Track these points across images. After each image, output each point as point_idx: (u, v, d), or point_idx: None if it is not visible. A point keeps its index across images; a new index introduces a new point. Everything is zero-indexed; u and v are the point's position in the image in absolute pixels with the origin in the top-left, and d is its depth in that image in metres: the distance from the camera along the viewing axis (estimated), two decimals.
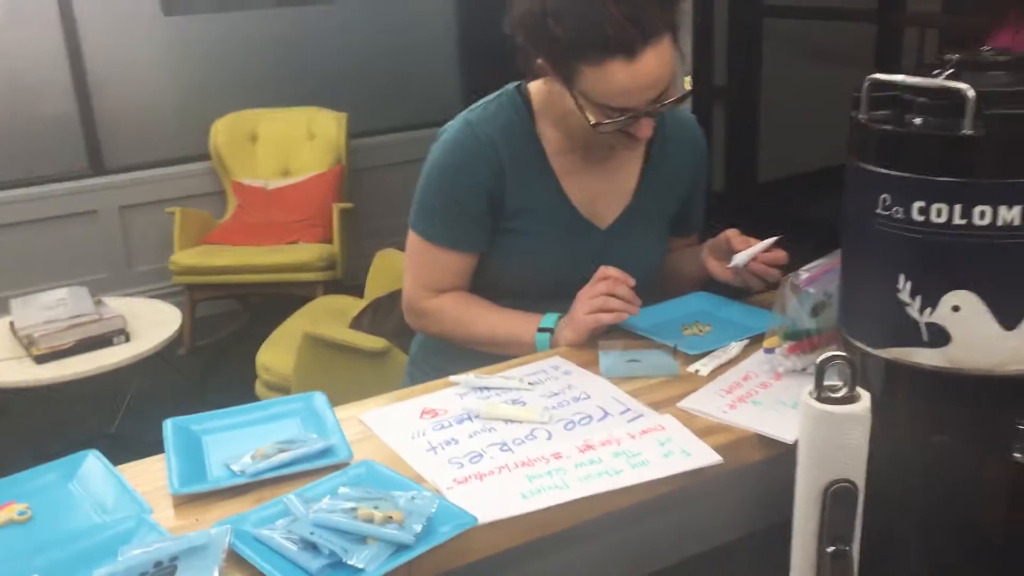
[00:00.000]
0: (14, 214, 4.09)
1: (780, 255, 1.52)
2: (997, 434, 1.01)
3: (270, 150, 4.39)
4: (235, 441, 1.25)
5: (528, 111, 1.53)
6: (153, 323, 3.25)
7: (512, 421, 1.27)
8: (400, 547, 0.98)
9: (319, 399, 1.33)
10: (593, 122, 1.39)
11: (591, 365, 1.42)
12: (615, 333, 1.53)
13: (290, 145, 4.40)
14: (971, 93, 0.93)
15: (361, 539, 0.99)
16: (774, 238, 1.50)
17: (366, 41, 4.81)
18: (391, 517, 1.00)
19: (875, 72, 1.06)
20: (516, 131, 1.51)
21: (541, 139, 1.52)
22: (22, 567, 0.98)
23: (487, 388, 1.36)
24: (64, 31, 4.11)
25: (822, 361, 0.95)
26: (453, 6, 5.05)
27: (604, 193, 1.57)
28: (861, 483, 0.97)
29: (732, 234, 1.55)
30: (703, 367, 1.38)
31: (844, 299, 1.13)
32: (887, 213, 1.01)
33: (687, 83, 1.45)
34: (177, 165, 4.35)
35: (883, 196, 1.01)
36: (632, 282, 1.45)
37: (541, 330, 1.49)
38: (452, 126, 1.53)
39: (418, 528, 0.99)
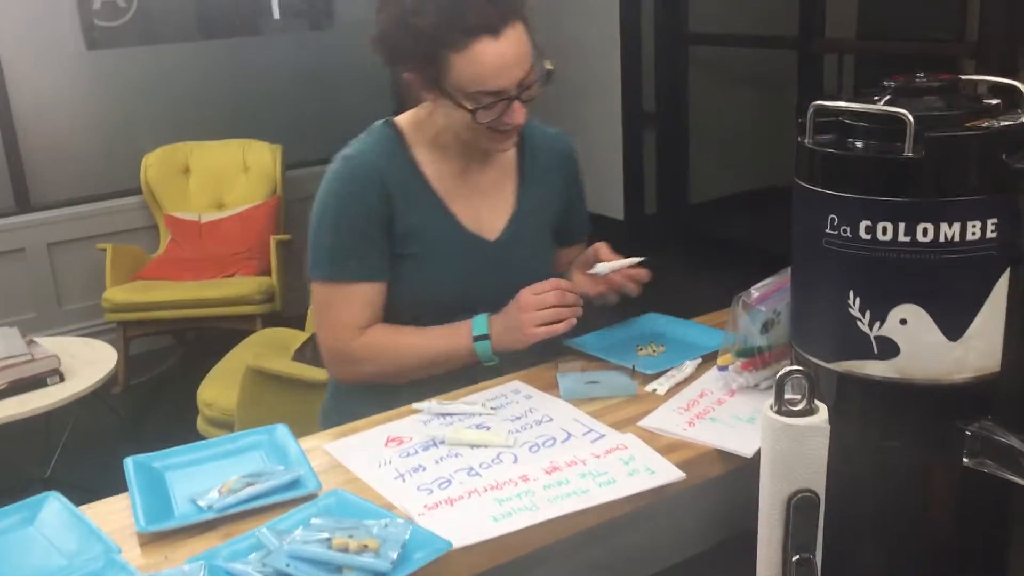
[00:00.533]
0: None
1: (643, 273, 1.58)
2: (946, 440, 1.06)
3: (203, 183, 4.33)
4: (199, 476, 1.24)
5: (400, 140, 1.56)
6: (87, 362, 3.17)
7: (478, 446, 1.28)
8: (377, 575, 0.99)
9: (282, 431, 1.33)
10: (471, 108, 1.42)
11: (551, 388, 1.45)
12: (572, 355, 1.56)
13: (224, 177, 4.35)
14: (911, 118, 0.99)
15: (337, 569, 0.99)
16: (639, 258, 1.56)
17: (297, 71, 4.80)
18: (366, 545, 1.01)
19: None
20: (394, 159, 1.54)
21: (418, 165, 1.55)
22: None
23: (450, 414, 1.37)
24: None
25: (781, 376, 0.99)
26: None
27: (487, 207, 1.60)
28: (822, 492, 1.01)
29: (601, 246, 1.62)
30: (660, 386, 1.42)
31: (796, 316, 1.17)
32: (835, 232, 1.06)
33: (548, 64, 1.50)
34: (107, 200, 4.26)
35: (831, 216, 1.06)
36: (575, 289, 1.51)
37: (477, 338, 1.50)
38: (331, 167, 1.55)
39: (394, 555, 1.00)
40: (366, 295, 1.52)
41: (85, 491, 1.19)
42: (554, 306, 1.47)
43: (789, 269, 1.33)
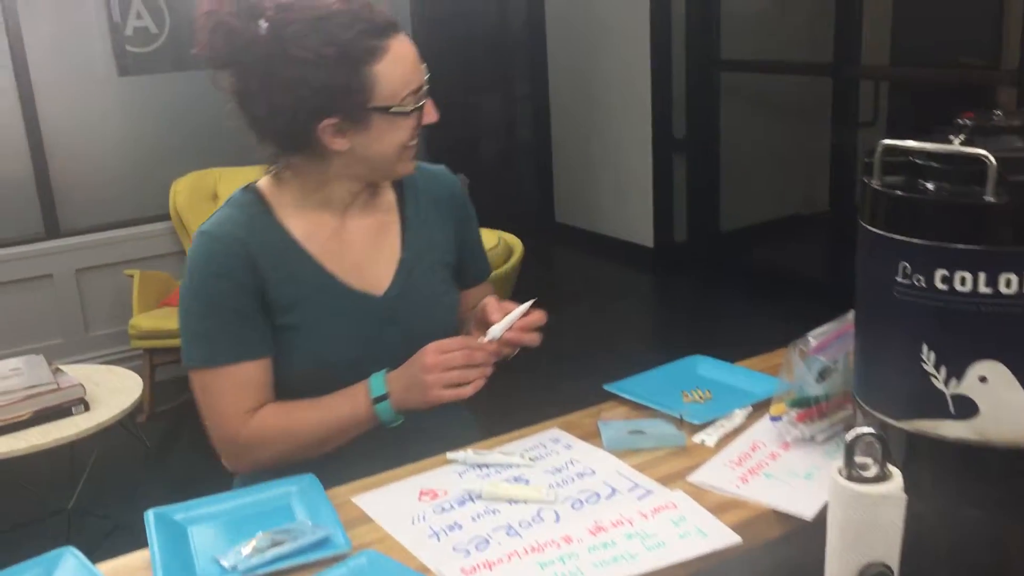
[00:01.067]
0: None
1: (537, 317, 1.42)
2: None
3: None
4: (224, 531, 1.18)
5: (264, 205, 1.44)
6: (113, 390, 3.13)
7: (516, 501, 1.21)
8: None
9: (310, 482, 1.26)
10: (409, 111, 1.36)
11: (592, 437, 1.37)
12: (614, 402, 1.48)
13: None
14: (993, 160, 0.92)
15: None
16: (528, 303, 1.41)
17: None
18: None
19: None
20: (258, 225, 1.42)
21: (286, 229, 1.43)
22: None
23: (486, 465, 1.30)
24: (20, 94, 4.03)
25: (852, 439, 0.92)
26: None
27: (370, 261, 1.49)
28: (895, 565, 0.93)
29: (488, 302, 1.45)
30: (708, 437, 1.34)
31: (862, 368, 1.09)
32: (907, 281, 0.98)
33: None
34: (135, 226, 4.24)
35: (903, 264, 0.98)
36: (490, 347, 1.38)
37: (376, 399, 1.38)
38: (191, 247, 1.44)
39: None
40: (247, 376, 1.39)
41: (108, 520, 1.13)
42: (462, 367, 1.35)
43: (849, 315, 1.26)
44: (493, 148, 6.71)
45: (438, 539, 1.14)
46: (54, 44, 4.13)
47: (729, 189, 5.34)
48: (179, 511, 1.21)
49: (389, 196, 1.54)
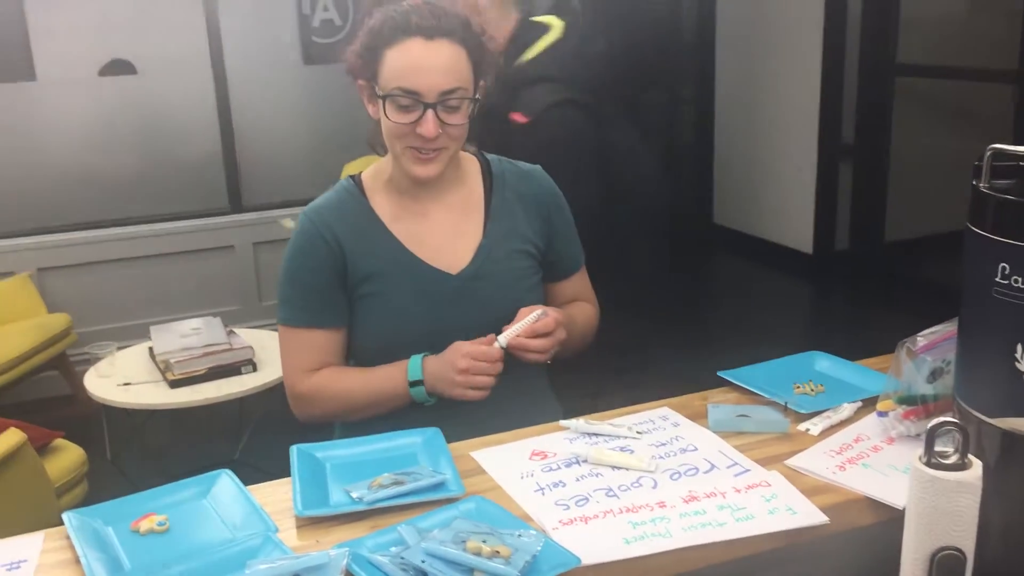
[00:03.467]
0: (158, 246, 4.37)
1: (546, 324, 1.50)
2: None
3: None
4: (355, 469, 1.32)
5: (360, 191, 1.61)
6: (279, 354, 3.39)
7: (619, 468, 1.30)
8: None
9: (435, 435, 1.39)
10: (390, 121, 1.47)
11: (699, 418, 1.44)
12: (725, 388, 1.54)
13: None
14: None
15: (468, 571, 1.03)
16: (538, 311, 1.49)
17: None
18: (498, 552, 1.05)
19: (1012, 135, 1.07)
20: (349, 208, 1.59)
21: (375, 211, 1.59)
22: (160, 573, 1.07)
23: (596, 435, 1.40)
24: (215, 78, 4.40)
25: (933, 427, 0.95)
26: None
27: (451, 244, 1.60)
28: (970, 552, 0.96)
29: (522, 310, 1.53)
30: (813, 426, 1.38)
31: (960, 366, 1.12)
32: (1006, 282, 1.01)
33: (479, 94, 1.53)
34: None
35: (1002, 265, 1.01)
36: (495, 356, 1.48)
37: (412, 384, 1.51)
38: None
39: (523, 564, 1.03)
40: (313, 340, 1.58)
41: (267, 474, 1.29)
42: (486, 375, 1.47)
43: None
44: (654, 148, 6.73)
45: (542, 493, 1.24)
46: (247, 33, 4.48)
47: (896, 198, 5.16)
48: (319, 449, 1.37)
49: (477, 189, 1.65)
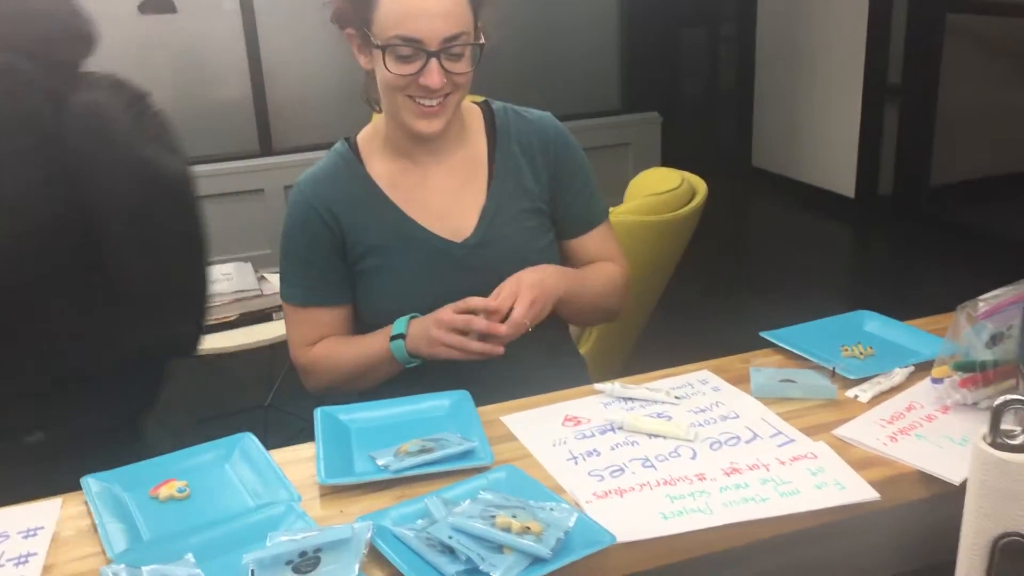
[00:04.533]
0: None
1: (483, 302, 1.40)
2: None
3: None
4: (381, 434, 1.27)
5: (356, 155, 1.52)
6: None
7: (656, 436, 1.24)
8: (536, 560, 0.97)
9: (463, 398, 1.34)
10: (390, 72, 1.37)
11: (741, 382, 1.37)
12: (768, 349, 1.47)
13: None
14: None
15: (498, 548, 0.99)
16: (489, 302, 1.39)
17: (526, 30, 4.84)
18: (529, 528, 1.00)
19: None
20: (343, 176, 1.51)
21: (373, 178, 1.51)
22: (179, 543, 1.03)
23: (632, 399, 1.34)
24: (243, 20, 4.32)
25: (999, 404, 0.88)
26: (616, 2, 5.00)
27: (455, 209, 1.51)
28: None
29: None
30: (863, 393, 1.31)
31: None
32: None
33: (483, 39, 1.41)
34: None
35: None
36: (493, 307, 1.39)
37: (393, 338, 1.44)
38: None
39: (555, 542, 0.98)
40: (312, 316, 1.54)
41: (299, 419, 1.26)
42: (462, 334, 1.38)
43: None
44: (692, 87, 6.57)
45: (576, 463, 1.18)
46: None
47: (944, 141, 4.98)
48: (343, 412, 1.32)
49: (480, 145, 1.54)
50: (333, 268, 1.52)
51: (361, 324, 1.56)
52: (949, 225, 4.90)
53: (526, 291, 1.41)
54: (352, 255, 1.51)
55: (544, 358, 1.54)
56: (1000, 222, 4.77)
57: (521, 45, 4.82)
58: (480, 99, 1.61)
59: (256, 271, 3.42)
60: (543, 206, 1.56)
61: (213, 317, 3.14)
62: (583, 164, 1.59)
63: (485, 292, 1.43)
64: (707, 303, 4.11)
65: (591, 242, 1.61)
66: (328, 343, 1.55)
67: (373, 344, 1.49)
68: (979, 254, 4.40)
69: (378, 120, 1.54)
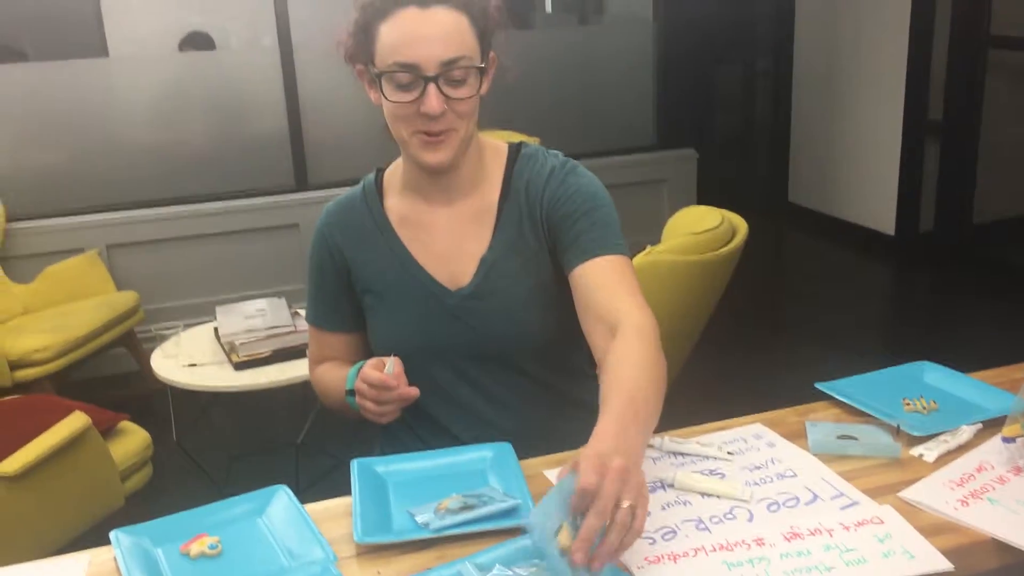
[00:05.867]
0: (224, 224, 4.34)
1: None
2: None
3: None
4: (420, 487, 1.22)
5: (378, 188, 1.53)
6: None
7: (709, 495, 1.17)
8: None
9: (506, 451, 1.29)
10: (390, 101, 1.34)
11: (797, 438, 1.31)
12: (826, 403, 1.40)
13: None
14: None
15: None
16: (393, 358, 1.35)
17: (563, 66, 4.83)
18: None
19: None
20: (360, 208, 1.52)
21: (387, 212, 1.51)
22: None
23: (682, 454, 1.27)
24: (281, 54, 4.34)
25: None
26: (652, 36, 4.98)
27: (455, 253, 1.48)
28: None
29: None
30: (928, 452, 1.24)
31: None
32: None
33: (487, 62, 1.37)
34: None
35: None
36: (390, 386, 1.32)
37: (348, 392, 1.44)
38: None
39: None
40: (324, 339, 1.60)
41: (332, 457, 1.22)
42: (373, 400, 1.35)
43: None
44: (728, 123, 6.52)
45: None
46: (314, 7, 4.40)
47: (986, 178, 4.90)
48: (381, 464, 1.27)
49: (493, 192, 1.47)
50: (338, 296, 1.55)
51: (369, 353, 1.55)
52: (993, 264, 4.80)
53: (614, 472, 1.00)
54: (357, 288, 1.53)
55: (564, 406, 1.51)
56: None
57: (558, 82, 4.80)
58: (516, 140, 1.56)
59: (290, 307, 3.40)
60: (543, 263, 1.45)
61: (247, 353, 3.12)
62: (588, 195, 1.44)
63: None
64: (747, 345, 4.02)
65: (602, 270, 1.37)
66: (326, 367, 1.59)
67: (339, 383, 1.50)
68: (1022, 295, 4.29)
69: (400, 159, 1.53)
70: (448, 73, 1.32)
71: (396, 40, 1.32)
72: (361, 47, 1.38)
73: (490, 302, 1.45)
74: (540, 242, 1.45)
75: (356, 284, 1.52)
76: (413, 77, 1.32)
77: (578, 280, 1.38)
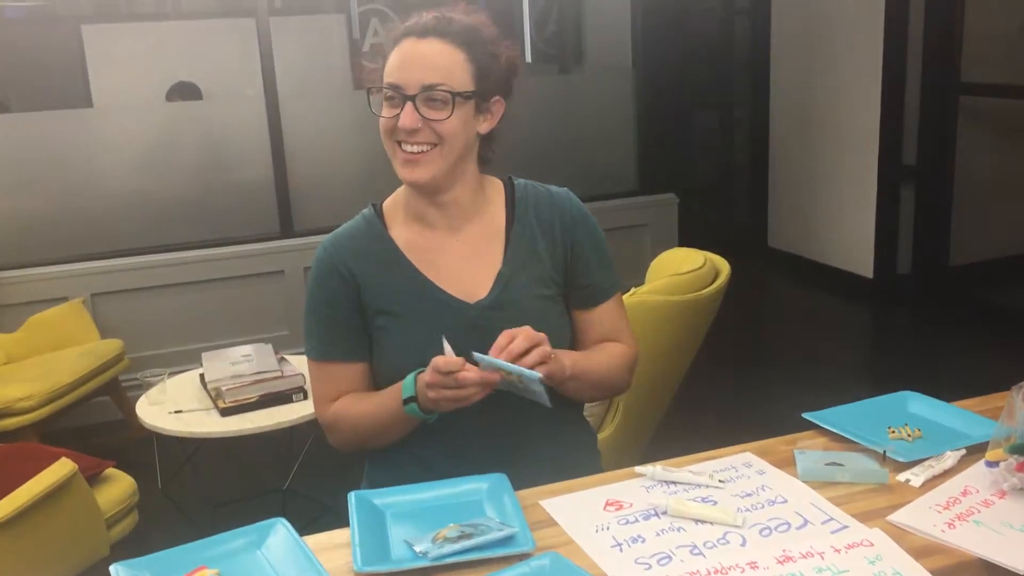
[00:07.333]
0: (209, 272, 4.35)
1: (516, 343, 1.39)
2: None
3: None
4: (417, 518, 1.24)
5: (379, 218, 1.59)
6: None
7: (702, 521, 1.20)
8: None
9: (501, 481, 1.30)
10: (376, 112, 1.47)
11: (786, 465, 1.33)
12: (814, 432, 1.43)
13: None
14: None
15: None
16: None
17: (545, 114, 4.92)
18: None
19: None
20: (365, 237, 1.57)
21: (394, 240, 1.56)
22: None
23: (674, 482, 1.30)
24: (266, 103, 4.39)
25: None
26: (632, 85, 5.08)
27: (470, 273, 1.55)
28: None
29: (522, 331, 1.41)
30: (915, 477, 1.27)
31: None
32: None
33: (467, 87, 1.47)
34: None
35: None
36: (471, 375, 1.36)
37: (406, 401, 1.44)
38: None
39: None
40: (332, 372, 1.57)
41: (318, 503, 1.22)
42: (453, 387, 1.36)
43: None
44: (707, 169, 6.62)
45: (620, 549, 1.14)
46: (299, 59, 4.47)
47: (961, 221, 4.99)
48: (378, 496, 1.29)
49: (499, 218, 1.58)
50: (351, 323, 1.55)
51: (377, 379, 1.57)
52: (969, 305, 4.87)
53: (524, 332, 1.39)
54: (369, 312, 1.54)
55: (554, 427, 1.56)
56: (1018, 300, 4.74)
57: (541, 130, 4.88)
58: (504, 178, 1.65)
59: (276, 352, 3.41)
60: (557, 278, 1.58)
61: (233, 399, 3.12)
62: (600, 238, 1.63)
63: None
64: (731, 383, 4.06)
65: (605, 314, 1.62)
66: (347, 400, 1.57)
67: (387, 404, 1.50)
68: (1003, 333, 4.36)
69: (402, 188, 1.58)
70: (428, 95, 1.43)
71: (393, 63, 1.46)
72: (375, 73, 1.50)
73: (510, 312, 1.51)
74: (556, 262, 1.57)
75: (368, 307, 1.53)
76: (398, 95, 1.45)
77: (583, 317, 1.61)
